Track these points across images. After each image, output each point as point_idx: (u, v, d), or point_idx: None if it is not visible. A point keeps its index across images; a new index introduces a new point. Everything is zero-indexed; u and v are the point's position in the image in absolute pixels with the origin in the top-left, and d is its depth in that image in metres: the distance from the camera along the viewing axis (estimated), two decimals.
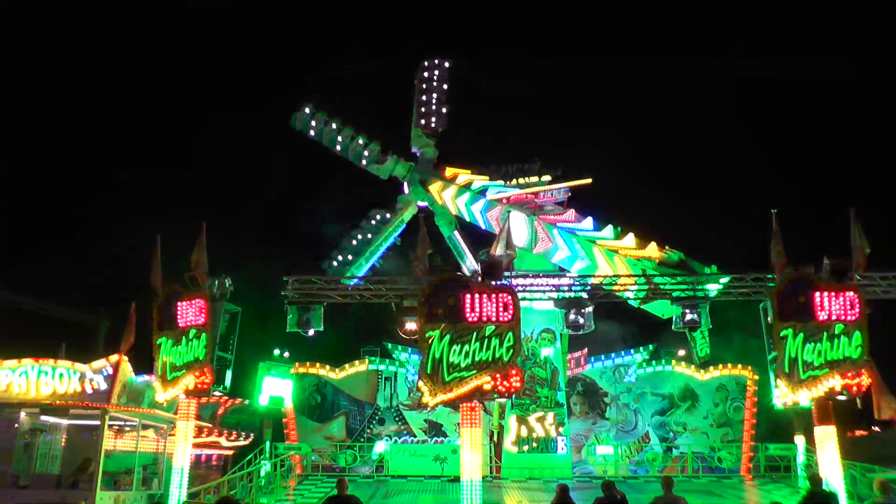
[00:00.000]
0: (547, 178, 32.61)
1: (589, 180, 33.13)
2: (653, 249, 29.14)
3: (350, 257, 34.44)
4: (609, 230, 30.28)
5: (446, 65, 36.28)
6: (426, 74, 36.00)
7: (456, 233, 34.72)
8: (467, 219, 33.63)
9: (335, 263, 34.18)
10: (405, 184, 35.48)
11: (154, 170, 57.72)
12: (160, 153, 60.98)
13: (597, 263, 29.54)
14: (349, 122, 35.79)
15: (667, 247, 29.24)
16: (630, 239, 29.68)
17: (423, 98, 35.67)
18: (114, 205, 50.35)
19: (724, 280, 22.21)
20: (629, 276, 25.47)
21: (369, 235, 35.03)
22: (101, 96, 62.35)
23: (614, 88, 63.61)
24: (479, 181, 33.26)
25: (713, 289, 22.06)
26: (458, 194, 33.08)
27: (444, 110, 35.38)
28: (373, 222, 35.40)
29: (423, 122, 35.25)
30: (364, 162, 35.30)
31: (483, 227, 32.78)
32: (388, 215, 35.50)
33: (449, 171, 34.47)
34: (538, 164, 33.96)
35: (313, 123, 35.66)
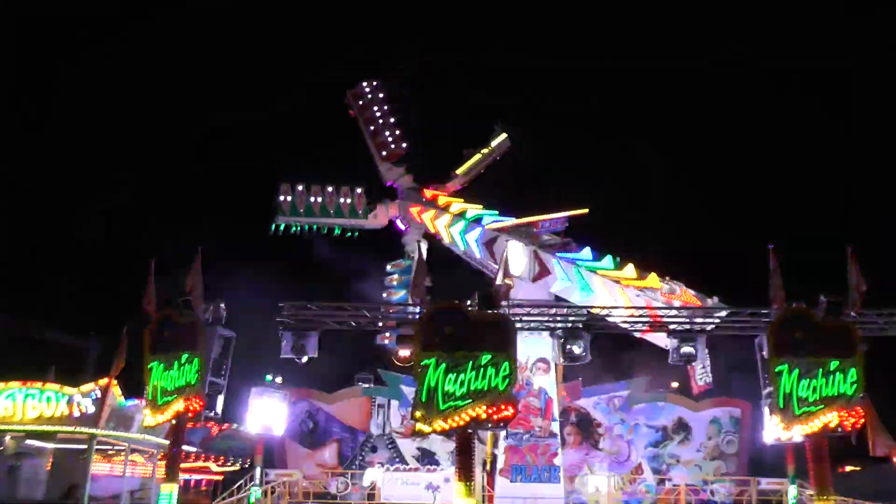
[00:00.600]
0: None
1: (586, 210, 33.24)
2: (654, 280, 29.10)
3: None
4: (608, 260, 30.23)
5: (375, 84, 36.07)
6: (361, 102, 35.77)
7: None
8: (461, 248, 33.50)
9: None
10: (397, 221, 35.57)
11: (150, 186, 57.38)
12: (157, 165, 60.81)
13: (598, 294, 29.46)
14: (328, 184, 35.09)
15: (667, 278, 29.22)
16: (630, 269, 29.64)
17: (372, 128, 35.47)
18: (108, 228, 50.19)
19: (722, 314, 22.16)
20: (627, 307, 25.38)
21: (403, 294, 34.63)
22: (101, 97, 62.20)
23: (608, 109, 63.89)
24: (473, 210, 33.24)
25: (710, 323, 22.01)
26: (453, 223, 33.04)
27: (397, 132, 35.33)
28: (394, 281, 35.04)
29: (383, 153, 35.25)
30: (360, 214, 34.81)
31: (478, 255, 32.67)
32: (404, 264, 35.22)
33: (429, 193, 34.64)
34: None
35: (297, 202, 34.63)
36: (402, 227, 35.53)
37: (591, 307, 24.44)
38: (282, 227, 34.81)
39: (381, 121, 35.45)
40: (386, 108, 35.77)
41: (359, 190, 34.89)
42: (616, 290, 29.20)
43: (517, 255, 30.45)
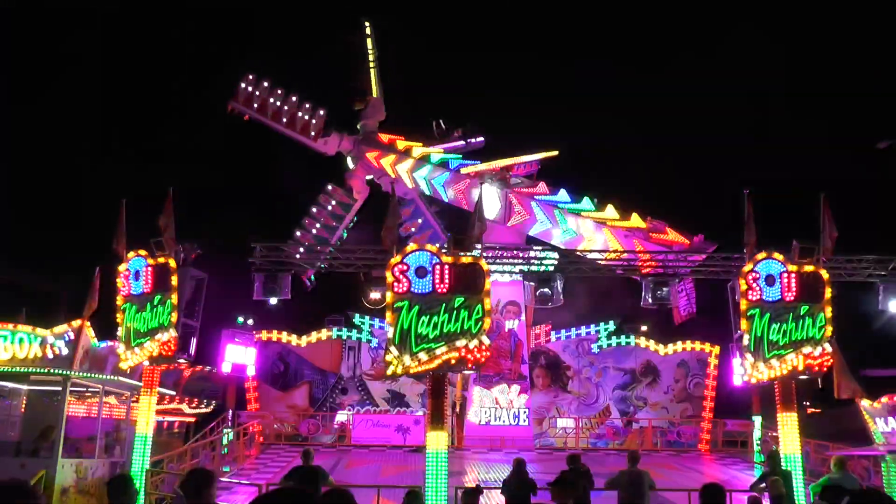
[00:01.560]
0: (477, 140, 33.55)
1: (556, 152, 33.26)
2: (637, 220, 29.27)
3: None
4: (587, 202, 30.31)
5: (251, 77, 34.41)
6: (254, 103, 34.03)
7: None
8: (426, 192, 33.29)
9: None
10: (349, 159, 34.96)
11: (119, 130, 56.55)
12: (124, 114, 59.87)
13: (582, 235, 29.60)
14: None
15: (648, 218, 29.42)
16: (611, 210, 29.76)
17: (284, 119, 34.11)
18: (78, 167, 49.42)
19: (699, 257, 22.42)
20: (601, 250, 25.54)
21: (332, 223, 34.34)
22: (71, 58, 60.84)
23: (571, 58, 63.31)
24: (437, 153, 32.95)
25: (685, 266, 22.24)
26: (417, 168, 32.72)
27: (307, 105, 34.11)
28: (329, 207, 34.59)
29: (312, 133, 34.10)
30: (312, 135, 33.99)
31: (445, 200, 32.62)
32: (342, 196, 34.78)
33: (386, 138, 34.20)
34: (467, 127, 34.31)
35: (256, 94, 33.92)
36: (351, 164, 34.94)
37: (580, 251, 24.61)
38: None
39: (285, 106, 33.98)
40: (279, 91, 34.21)
41: (321, 111, 34.02)
42: (603, 232, 29.33)
43: (491, 199, 30.40)
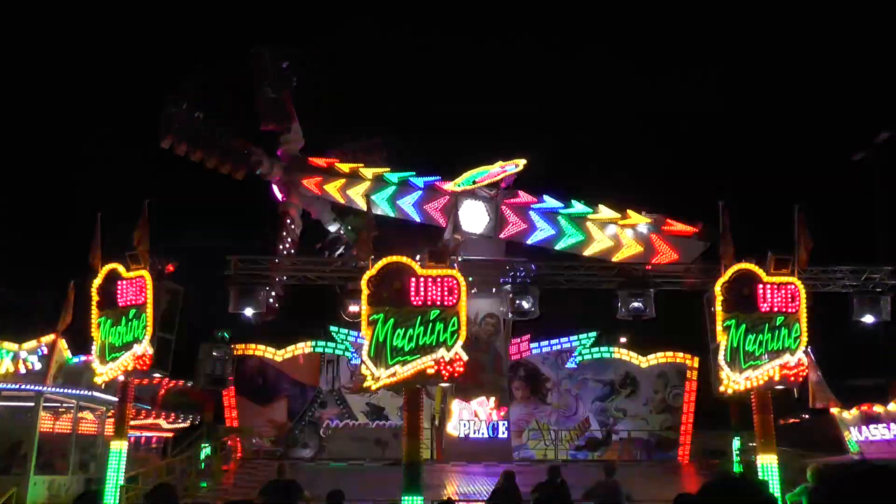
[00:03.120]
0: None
1: (523, 161, 32.49)
2: (637, 217, 29.36)
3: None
4: (580, 205, 30.21)
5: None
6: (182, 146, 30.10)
7: None
8: (390, 215, 30.92)
9: None
10: (274, 187, 32.69)
11: (94, 142, 56.10)
12: (98, 123, 59.36)
13: (595, 238, 29.65)
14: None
15: (643, 212, 29.54)
16: (607, 210, 29.77)
17: (213, 159, 30.84)
18: (55, 179, 49.10)
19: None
20: (575, 264, 25.57)
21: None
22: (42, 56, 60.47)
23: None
24: (392, 173, 31.35)
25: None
26: (376, 191, 30.65)
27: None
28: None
29: (253, 157, 31.31)
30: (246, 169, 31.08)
31: (418, 220, 30.99)
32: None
33: (322, 161, 31.88)
34: (380, 141, 34.01)
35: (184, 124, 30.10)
36: (278, 195, 32.75)
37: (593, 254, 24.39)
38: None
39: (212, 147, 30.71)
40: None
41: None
42: (614, 231, 29.34)
43: (478, 213, 29.90)
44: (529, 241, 30.55)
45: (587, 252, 29.24)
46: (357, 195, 31.01)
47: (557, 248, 29.96)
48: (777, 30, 62.52)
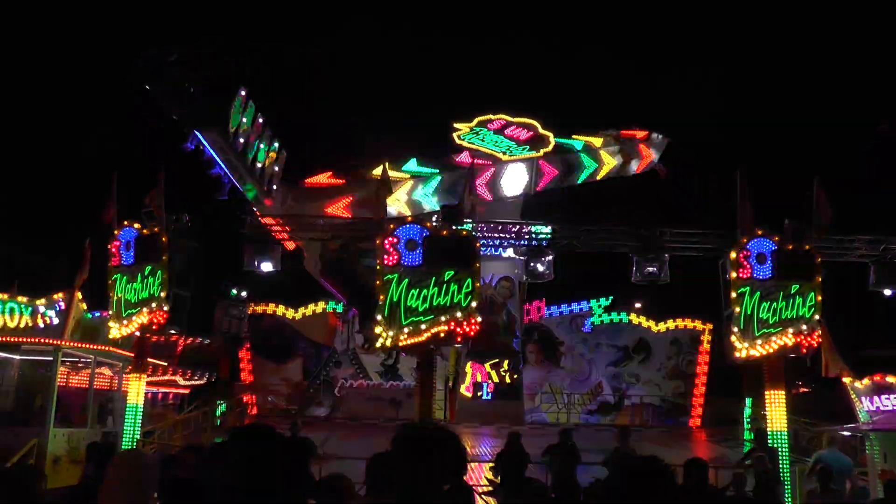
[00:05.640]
0: None
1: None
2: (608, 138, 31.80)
3: None
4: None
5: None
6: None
7: None
8: (426, 209, 29.10)
9: None
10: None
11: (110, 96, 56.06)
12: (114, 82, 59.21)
13: (603, 162, 31.79)
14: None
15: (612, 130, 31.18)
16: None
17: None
18: (69, 139, 49.09)
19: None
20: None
21: None
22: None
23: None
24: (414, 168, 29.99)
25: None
26: (415, 189, 29.66)
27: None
28: None
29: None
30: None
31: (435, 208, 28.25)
32: None
33: (324, 178, 29.53)
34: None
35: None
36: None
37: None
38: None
39: None
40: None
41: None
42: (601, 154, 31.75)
43: (518, 176, 30.46)
44: (565, 184, 31.29)
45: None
46: (402, 202, 29.53)
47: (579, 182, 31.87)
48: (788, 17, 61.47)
